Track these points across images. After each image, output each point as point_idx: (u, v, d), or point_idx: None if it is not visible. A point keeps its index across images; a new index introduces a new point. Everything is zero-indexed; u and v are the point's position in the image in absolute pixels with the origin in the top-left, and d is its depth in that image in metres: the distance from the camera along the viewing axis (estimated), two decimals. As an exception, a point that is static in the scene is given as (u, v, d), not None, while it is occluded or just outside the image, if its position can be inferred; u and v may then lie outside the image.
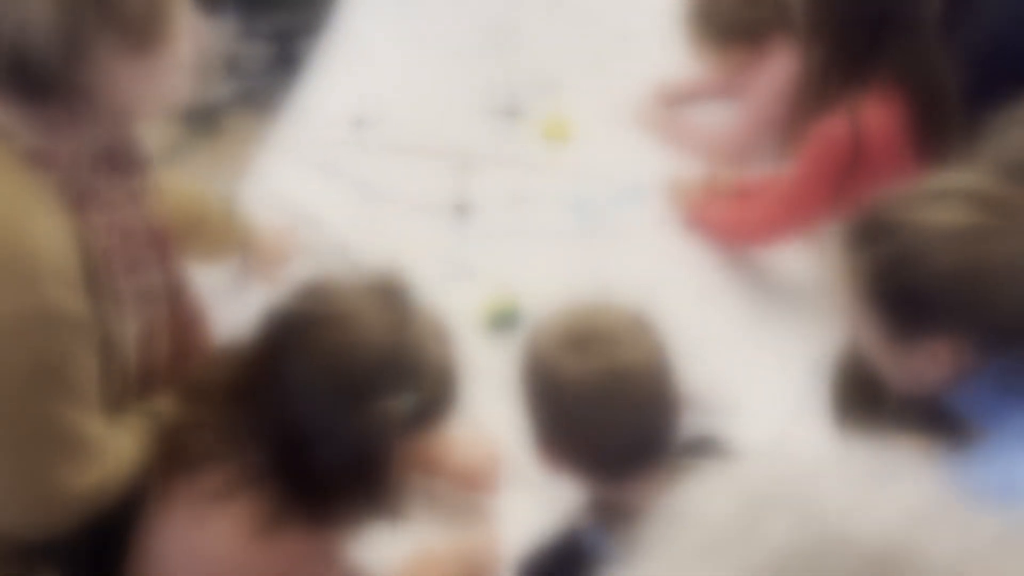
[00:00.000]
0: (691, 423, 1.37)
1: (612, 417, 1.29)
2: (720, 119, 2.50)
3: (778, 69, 2.34)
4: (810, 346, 1.86)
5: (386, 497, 1.32)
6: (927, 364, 1.31)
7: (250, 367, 1.32)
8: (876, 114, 1.97)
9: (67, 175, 1.31)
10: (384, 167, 2.43)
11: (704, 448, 1.39)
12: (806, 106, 2.06)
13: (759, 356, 1.99)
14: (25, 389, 1.28)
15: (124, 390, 1.43)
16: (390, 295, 1.31)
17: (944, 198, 1.32)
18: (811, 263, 1.59)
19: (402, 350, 1.26)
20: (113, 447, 1.38)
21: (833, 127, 1.98)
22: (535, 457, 1.39)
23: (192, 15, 1.35)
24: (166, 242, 1.52)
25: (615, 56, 2.70)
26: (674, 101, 2.57)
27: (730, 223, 2.23)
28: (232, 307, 1.81)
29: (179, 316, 1.58)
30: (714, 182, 2.33)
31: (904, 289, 1.30)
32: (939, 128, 1.94)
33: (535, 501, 1.75)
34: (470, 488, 1.71)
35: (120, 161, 1.41)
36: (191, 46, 1.34)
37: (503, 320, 2.07)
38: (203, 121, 3.80)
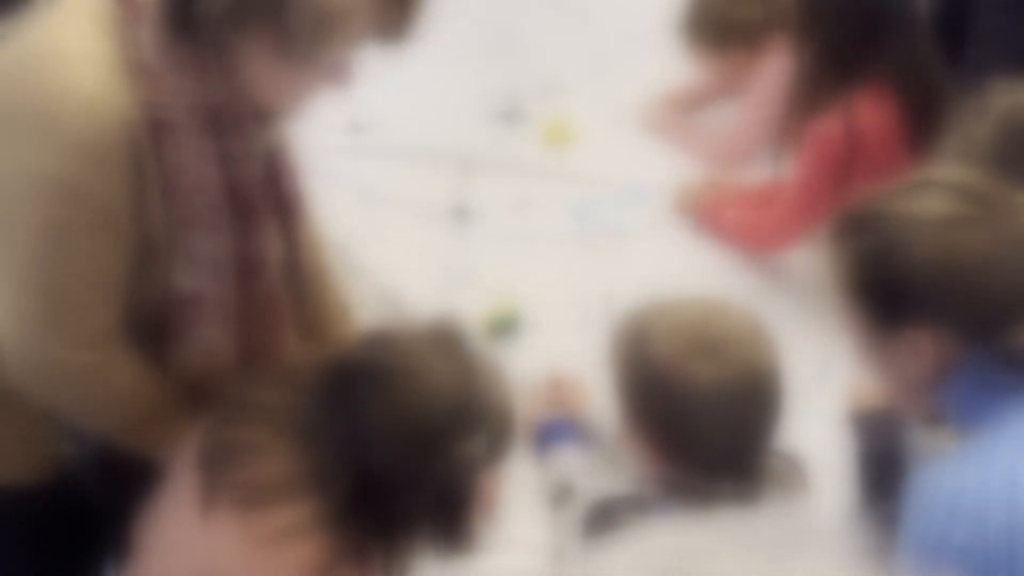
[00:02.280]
0: None
1: (745, 419, 1.33)
2: (726, 121, 2.49)
3: (775, 68, 2.33)
4: (817, 349, 1.84)
5: (465, 532, 1.40)
6: (910, 356, 1.31)
7: (317, 408, 1.36)
8: (870, 112, 1.99)
9: (159, 99, 1.32)
10: (383, 172, 2.42)
11: (783, 460, 1.41)
12: (802, 105, 2.08)
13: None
14: (31, 251, 1.33)
15: (156, 338, 1.45)
16: (451, 344, 1.38)
17: (925, 189, 1.33)
18: (815, 264, 1.60)
19: (470, 396, 1.34)
20: (119, 358, 1.43)
21: (828, 127, 2.00)
22: (633, 450, 1.40)
23: (358, 56, 1.37)
24: (251, 222, 1.48)
25: (616, 59, 2.68)
26: (681, 106, 2.56)
27: (746, 228, 2.23)
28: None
29: (257, 311, 1.55)
30: (720, 184, 2.33)
31: (885, 279, 1.30)
32: (933, 124, 1.93)
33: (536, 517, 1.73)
34: None
35: (222, 122, 1.39)
36: (338, 80, 1.37)
37: (503, 326, 2.05)
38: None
